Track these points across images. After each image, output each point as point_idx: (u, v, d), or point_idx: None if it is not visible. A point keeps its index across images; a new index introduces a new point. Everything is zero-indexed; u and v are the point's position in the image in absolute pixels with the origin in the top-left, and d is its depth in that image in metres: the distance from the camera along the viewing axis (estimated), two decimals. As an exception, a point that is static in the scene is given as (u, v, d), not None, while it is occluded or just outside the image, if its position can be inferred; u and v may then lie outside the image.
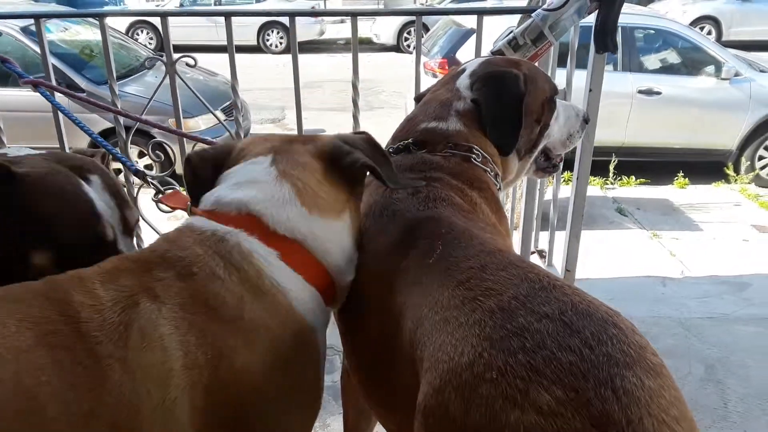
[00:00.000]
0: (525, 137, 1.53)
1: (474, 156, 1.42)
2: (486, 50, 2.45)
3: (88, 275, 0.97)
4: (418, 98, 1.70)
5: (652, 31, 6.61)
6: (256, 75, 10.24)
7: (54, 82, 2.31)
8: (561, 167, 1.82)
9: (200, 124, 5.83)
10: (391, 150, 1.48)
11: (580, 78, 2.35)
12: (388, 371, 1.09)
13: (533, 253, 2.97)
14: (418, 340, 0.95)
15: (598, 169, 5.50)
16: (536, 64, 2.01)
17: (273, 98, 9.51)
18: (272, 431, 1.03)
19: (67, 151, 2.42)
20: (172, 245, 1.02)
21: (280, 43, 13.98)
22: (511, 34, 1.96)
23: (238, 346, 0.96)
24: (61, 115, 2.26)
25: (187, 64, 2.26)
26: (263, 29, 13.87)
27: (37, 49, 5.81)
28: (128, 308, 0.92)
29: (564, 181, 3.89)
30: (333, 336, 2.04)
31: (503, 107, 1.48)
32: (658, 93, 6.18)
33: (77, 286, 0.94)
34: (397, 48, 14.22)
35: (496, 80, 1.51)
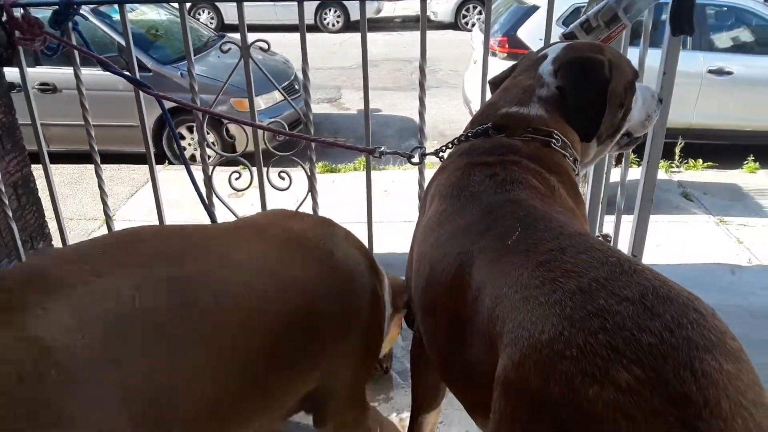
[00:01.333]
0: (608, 123, 1.53)
1: (554, 141, 1.43)
2: (554, 28, 2.42)
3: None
4: (494, 82, 1.72)
5: (724, 8, 6.33)
6: (312, 54, 10.20)
7: (133, 63, 2.44)
8: (640, 139, 1.79)
9: (260, 103, 5.96)
10: (469, 134, 1.51)
11: (651, 57, 2.30)
12: (463, 344, 1.13)
13: (597, 237, 2.94)
14: (497, 316, 0.98)
15: (663, 151, 5.30)
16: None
17: (329, 78, 9.56)
18: None
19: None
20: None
21: (337, 22, 13.98)
22: (584, 16, 1.93)
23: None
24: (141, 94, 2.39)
25: (261, 48, 2.33)
26: (320, 8, 13.89)
27: (105, 29, 6.15)
28: (330, 235, 1.52)
29: (631, 163, 3.82)
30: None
31: (589, 94, 1.48)
32: (730, 73, 5.94)
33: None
34: (454, 25, 14.02)
35: (581, 67, 1.50)
